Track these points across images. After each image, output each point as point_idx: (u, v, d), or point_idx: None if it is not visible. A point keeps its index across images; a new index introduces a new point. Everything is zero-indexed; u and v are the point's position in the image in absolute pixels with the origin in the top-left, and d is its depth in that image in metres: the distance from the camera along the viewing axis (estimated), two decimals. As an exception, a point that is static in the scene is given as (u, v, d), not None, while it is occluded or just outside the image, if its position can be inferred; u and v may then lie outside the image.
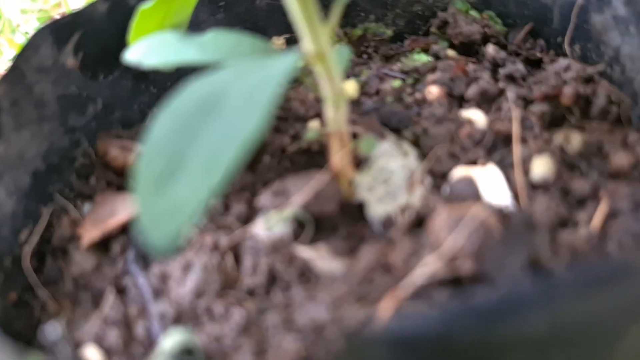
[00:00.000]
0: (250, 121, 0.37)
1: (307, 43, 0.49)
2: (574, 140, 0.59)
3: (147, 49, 0.53)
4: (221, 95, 0.41)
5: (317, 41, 0.49)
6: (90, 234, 0.58)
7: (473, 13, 0.82)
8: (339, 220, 0.58)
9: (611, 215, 0.54)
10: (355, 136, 0.65)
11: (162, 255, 0.46)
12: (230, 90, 0.41)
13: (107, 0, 0.68)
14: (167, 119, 0.39)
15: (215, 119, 0.39)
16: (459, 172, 0.58)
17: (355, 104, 0.76)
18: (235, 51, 0.54)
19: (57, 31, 0.64)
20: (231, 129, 0.38)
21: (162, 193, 0.36)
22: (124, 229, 0.59)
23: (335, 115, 0.55)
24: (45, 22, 0.62)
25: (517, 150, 0.58)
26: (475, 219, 0.49)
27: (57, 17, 0.63)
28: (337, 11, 0.50)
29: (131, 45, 0.58)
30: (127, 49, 0.55)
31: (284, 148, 0.67)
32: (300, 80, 0.52)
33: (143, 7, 0.59)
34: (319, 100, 0.75)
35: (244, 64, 0.45)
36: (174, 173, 0.36)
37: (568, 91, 0.63)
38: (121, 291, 0.55)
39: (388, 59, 0.85)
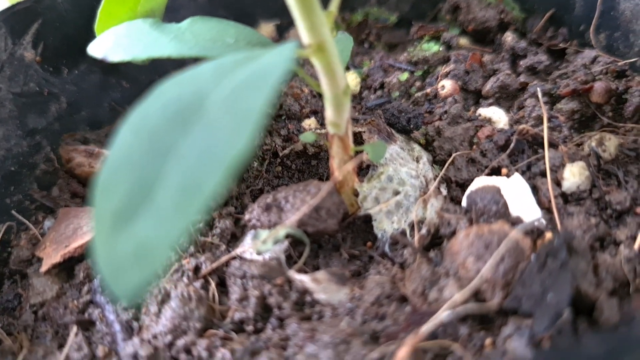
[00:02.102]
0: (237, 133, 0.29)
1: (303, 32, 0.41)
2: (609, 144, 0.52)
3: (114, 41, 0.44)
4: (200, 100, 0.32)
5: (316, 30, 0.40)
6: (51, 258, 0.49)
7: (487, -3, 0.73)
8: (342, 237, 0.50)
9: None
10: (357, 137, 0.57)
11: (127, 305, 0.38)
12: (211, 93, 0.33)
13: (70, -18, 0.58)
14: (130, 133, 0.30)
15: (192, 131, 0.30)
16: (480, 181, 0.50)
17: (356, 99, 0.67)
18: (218, 42, 0.45)
19: (13, 20, 0.55)
20: (212, 144, 0.29)
21: (124, 230, 0.28)
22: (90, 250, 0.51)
23: (336, 118, 0.46)
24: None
25: (547, 157, 0.51)
26: (506, 242, 0.41)
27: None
28: (339, -6, 0.42)
29: (98, 34, 0.49)
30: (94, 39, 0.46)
31: (275, 151, 0.59)
32: (294, 71, 0.45)
33: (111, -10, 0.50)
34: (315, 95, 0.67)
35: (228, 59, 0.36)
36: (138, 205, 0.28)
37: (599, 87, 0.55)
38: (86, 326, 0.47)
39: (392, 47, 0.76)
